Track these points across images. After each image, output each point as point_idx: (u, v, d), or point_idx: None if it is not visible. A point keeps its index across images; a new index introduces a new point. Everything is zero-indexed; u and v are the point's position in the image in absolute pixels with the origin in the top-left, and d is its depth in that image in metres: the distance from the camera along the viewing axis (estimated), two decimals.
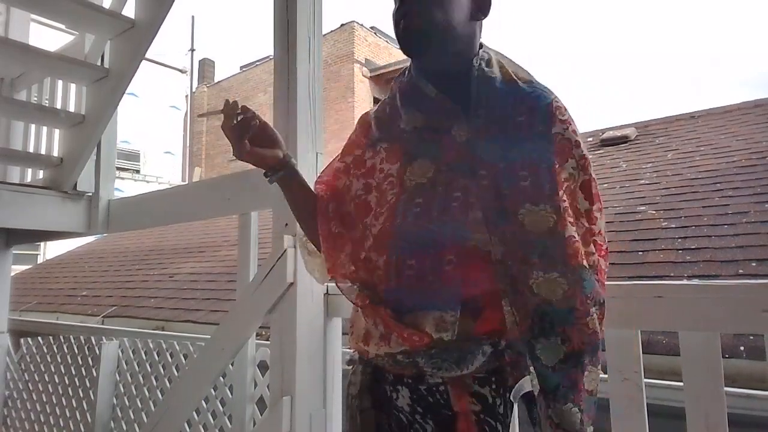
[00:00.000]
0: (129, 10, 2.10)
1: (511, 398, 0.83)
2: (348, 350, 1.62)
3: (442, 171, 0.84)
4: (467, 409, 0.81)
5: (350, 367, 0.98)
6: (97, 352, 2.48)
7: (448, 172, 0.84)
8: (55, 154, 2.39)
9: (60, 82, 2.50)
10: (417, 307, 0.82)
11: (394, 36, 0.90)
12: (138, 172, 13.46)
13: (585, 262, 0.77)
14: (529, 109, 0.81)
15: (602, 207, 0.84)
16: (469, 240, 0.80)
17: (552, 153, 0.79)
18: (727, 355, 1.79)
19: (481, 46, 0.91)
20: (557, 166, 0.78)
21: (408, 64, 0.95)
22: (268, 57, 15.62)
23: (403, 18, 0.87)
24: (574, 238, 0.77)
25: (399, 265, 0.84)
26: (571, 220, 0.78)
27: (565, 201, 0.78)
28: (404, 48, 0.88)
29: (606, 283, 0.84)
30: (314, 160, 1.56)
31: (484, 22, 0.92)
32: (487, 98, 0.84)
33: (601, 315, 0.79)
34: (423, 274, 0.82)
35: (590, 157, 0.83)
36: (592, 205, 0.82)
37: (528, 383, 0.80)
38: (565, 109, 0.82)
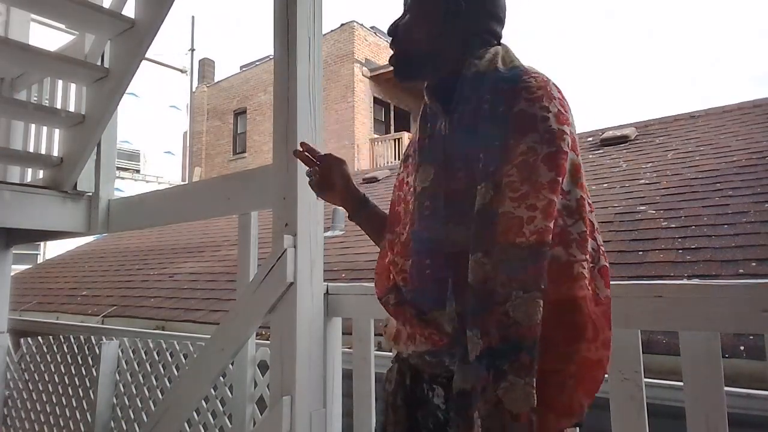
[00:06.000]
0: (129, 10, 2.10)
1: None
2: (347, 350, 1.63)
3: (438, 172, 0.87)
4: None
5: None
6: (97, 351, 2.48)
7: (442, 171, 0.87)
8: (55, 154, 2.39)
9: (60, 82, 2.50)
10: (436, 307, 0.83)
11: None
12: (138, 172, 13.46)
13: (521, 240, 0.69)
14: (493, 91, 0.79)
15: (583, 187, 0.76)
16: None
17: (507, 130, 0.74)
18: (727, 355, 1.79)
19: (491, 43, 0.88)
20: (512, 141, 0.73)
21: None
22: (268, 57, 15.63)
23: (391, 48, 0.94)
24: (512, 213, 0.70)
25: (419, 267, 0.87)
26: (513, 195, 0.71)
27: (511, 176, 0.72)
28: (394, 76, 0.95)
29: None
30: None
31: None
32: (462, 91, 0.85)
33: (554, 308, 0.68)
34: (439, 274, 0.83)
35: (569, 134, 0.74)
36: (558, 177, 0.71)
37: None
38: (538, 88, 0.75)
